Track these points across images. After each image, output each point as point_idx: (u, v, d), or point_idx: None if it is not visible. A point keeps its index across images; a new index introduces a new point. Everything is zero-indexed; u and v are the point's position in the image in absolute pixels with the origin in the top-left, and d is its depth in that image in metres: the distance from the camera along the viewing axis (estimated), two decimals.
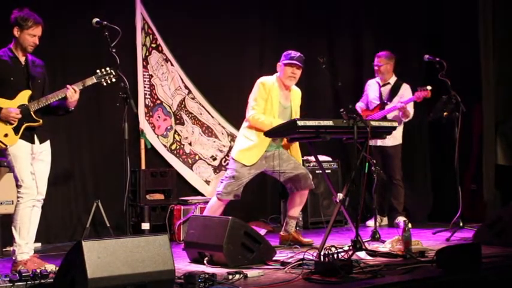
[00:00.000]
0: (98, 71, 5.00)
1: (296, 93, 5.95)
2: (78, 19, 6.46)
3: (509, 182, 7.36)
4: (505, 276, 4.45)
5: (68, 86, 4.87)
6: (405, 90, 7.17)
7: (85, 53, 6.68)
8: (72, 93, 4.85)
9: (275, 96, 5.73)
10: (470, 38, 7.66)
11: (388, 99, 7.11)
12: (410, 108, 7.07)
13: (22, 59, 4.89)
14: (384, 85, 7.26)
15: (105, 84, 5.00)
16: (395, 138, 7.08)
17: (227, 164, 7.46)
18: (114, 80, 4.97)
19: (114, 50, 4.80)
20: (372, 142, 6.56)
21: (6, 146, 4.75)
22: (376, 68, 7.28)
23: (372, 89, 7.33)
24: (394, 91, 7.16)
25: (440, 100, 6.58)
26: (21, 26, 4.78)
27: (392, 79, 7.28)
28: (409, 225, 6.93)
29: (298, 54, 5.77)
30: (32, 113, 4.81)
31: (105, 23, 4.89)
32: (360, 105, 7.34)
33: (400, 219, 7.00)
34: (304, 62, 5.80)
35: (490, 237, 5.47)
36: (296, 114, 5.86)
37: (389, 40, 8.36)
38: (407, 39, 8.51)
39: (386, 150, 7.18)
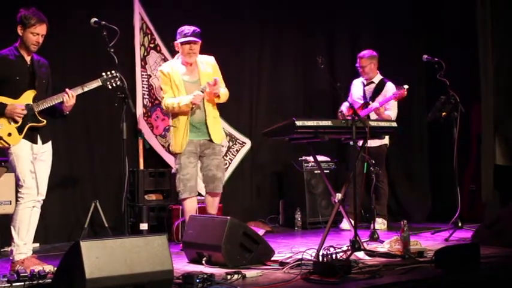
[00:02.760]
0: (103, 73, 4.99)
1: (204, 63, 5.90)
2: (76, 19, 6.46)
3: (508, 182, 7.35)
4: (503, 276, 4.44)
5: (67, 90, 4.87)
6: (388, 89, 7.09)
7: (83, 52, 6.69)
8: (69, 98, 4.85)
9: (176, 77, 5.76)
10: (469, 38, 7.66)
11: (371, 98, 7.06)
12: (391, 112, 6.91)
13: (28, 58, 4.88)
14: (367, 84, 7.20)
15: (110, 87, 4.99)
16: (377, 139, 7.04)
17: (225, 164, 7.47)
18: (119, 83, 4.96)
19: (112, 50, 4.79)
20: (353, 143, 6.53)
21: (9, 145, 4.75)
22: (360, 69, 7.17)
23: (357, 88, 7.22)
24: (378, 90, 7.09)
25: (439, 100, 6.58)
26: (24, 24, 4.77)
27: (377, 78, 7.18)
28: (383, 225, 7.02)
29: (192, 29, 5.76)
30: (36, 113, 4.81)
31: (104, 22, 4.88)
32: (346, 105, 7.25)
33: (378, 221, 6.94)
34: (200, 35, 5.79)
35: (488, 238, 5.47)
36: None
37: (389, 40, 8.36)
38: (407, 39, 8.51)
39: (368, 152, 7.07)
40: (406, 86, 6.71)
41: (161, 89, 5.89)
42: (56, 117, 5.04)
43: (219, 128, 5.92)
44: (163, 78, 5.80)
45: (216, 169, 5.81)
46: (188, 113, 5.72)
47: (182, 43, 5.74)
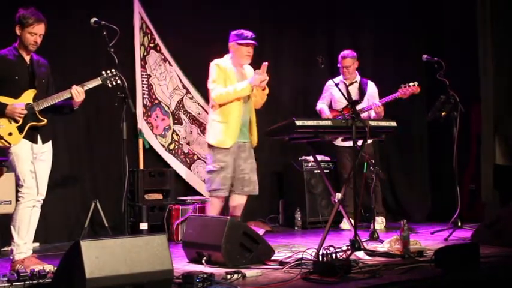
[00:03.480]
0: (103, 72, 4.99)
1: (249, 71, 5.94)
2: (76, 19, 6.46)
3: (508, 181, 7.36)
4: (503, 276, 4.45)
5: (74, 86, 4.88)
6: (373, 88, 7.11)
7: (83, 52, 6.69)
8: (78, 94, 4.86)
9: (232, 75, 5.78)
10: (469, 38, 7.66)
11: (360, 98, 7.04)
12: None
13: (27, 58, 4.88)
14: (350, 84, 7.15)
15: (109, 86, 4.99)
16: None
17: None
18: (118, 82, 4.96)
19: (112, 50, 4.79)
20: (345, 143, 6.54)
21: (10, 144, 4.75)
22: (344, 69, 7.13)
23: (337, 89, 7.17)
24: (362, 90, 7.09)
25: (439, 100, 6.58)
26: (22, 23, 4.77)
27: (358, 78, 7.19)
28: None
29: (251, 33, 5.81)
30: (36, 112, 4.81)
31: (103, 22, 4.87)
32: (322, 107, 7.14)
33: (378, 220, 6.94)
34: (256, 40, 5.85)
35: (488, 237, 5.47)
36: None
37: (389, 40, 8.37)
38: (407, 39, 8.51)
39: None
40: (415, 83, 6.66)
41: (213, 81, 5.78)
42: (66, 113, 5.07)
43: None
44: (218, 71, 5.77)
45: (252, 172, 5.83)
46: (241, 109, 5.72)
47: (242, 44, 5.77)
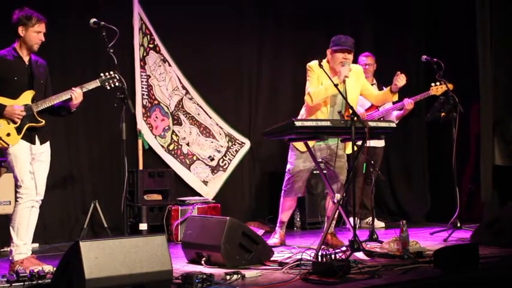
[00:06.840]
0: (102, 74, 5.00)
1: (352, 75, 5.66)
2: (75, 19, 6.46)
3: (507, 182, 7.36)
4: (502, 276, 4.45)
5: (74, 88, 4.88)
6: None
7: (83, 53, 6.69)
8: (77, 96, 4.86)
9: (324, 80, 5.59)
10: (469, 38, 7.66)
11: None
12: None
13: (26, 58, 4.89)
14: (371, 84, 7.15)
15: (108, 88, 5.00)
16: (382, 141, 7.13)
17: (225, 164, 7.47)
18: (117, 84, 4.96)
19: (111, 51, 4.79)
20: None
21: (8, 145, 4.76)
22: (368, 67, 7.09)
23: None
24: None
25: (438, 100, 6.58)
26: (26, 24, 4.78)
27: (373, 79, 7.24)
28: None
29: (348, 38, 5.66)
30: (35, 113, 4.81)
31: (103, 23, 4.88)
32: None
33: (370, 219, 6.97)
34: (354, 46, 5.70)
35: (488, 238, 5.47)
36: (353, 100, 5.55)
37: (389, 40, 8.37)
38: (407, 40, 8.51)
39: (374, 152, 7.09)
40: (445, 81, 6.55)
41: (307, 81, 5.70)
42: (63, 115, 5.08)
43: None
44: (311, 73, 5.66)
45: (340, 170, 5.78)
46: (326, 113, 5.63)
47: (336, 51, 5.61)
